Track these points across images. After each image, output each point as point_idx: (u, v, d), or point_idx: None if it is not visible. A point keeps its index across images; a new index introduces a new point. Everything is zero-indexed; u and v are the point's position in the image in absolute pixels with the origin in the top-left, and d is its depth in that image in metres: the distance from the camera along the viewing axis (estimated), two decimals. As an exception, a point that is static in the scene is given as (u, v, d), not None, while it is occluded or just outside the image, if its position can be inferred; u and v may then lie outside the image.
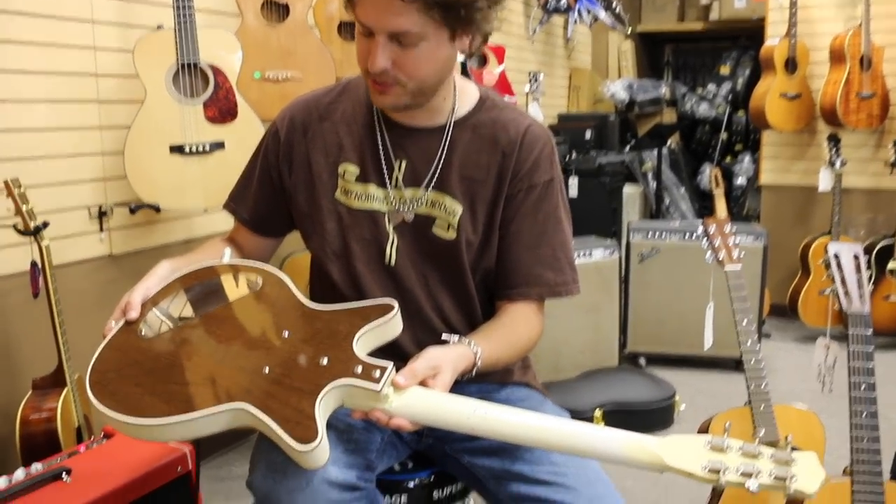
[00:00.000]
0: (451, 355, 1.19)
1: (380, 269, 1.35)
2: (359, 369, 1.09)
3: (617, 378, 3.18)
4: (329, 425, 1.06)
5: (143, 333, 1.18)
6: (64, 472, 1.42)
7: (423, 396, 1.11)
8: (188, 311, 1.22)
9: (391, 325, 1.19)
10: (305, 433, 1.02)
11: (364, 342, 1.16)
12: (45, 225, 1.91)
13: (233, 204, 1.47)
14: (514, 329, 1.35)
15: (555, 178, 1.36)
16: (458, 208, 1.32)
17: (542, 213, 1.35)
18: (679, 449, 1.03)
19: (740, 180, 5.44)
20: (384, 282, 1.35)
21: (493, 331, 1.33)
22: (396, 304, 1.20)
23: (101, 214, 2.29)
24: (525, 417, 1.11)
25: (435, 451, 1.41)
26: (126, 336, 1.18)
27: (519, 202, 1.33)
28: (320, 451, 1.02)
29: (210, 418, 1.06)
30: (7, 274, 2.02)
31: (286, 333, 1.17)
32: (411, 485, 1.41)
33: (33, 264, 1.92)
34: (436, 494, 1.44)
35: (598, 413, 2.89)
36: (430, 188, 1.33)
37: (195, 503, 1.58)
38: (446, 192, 1.33)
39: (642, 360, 3.62)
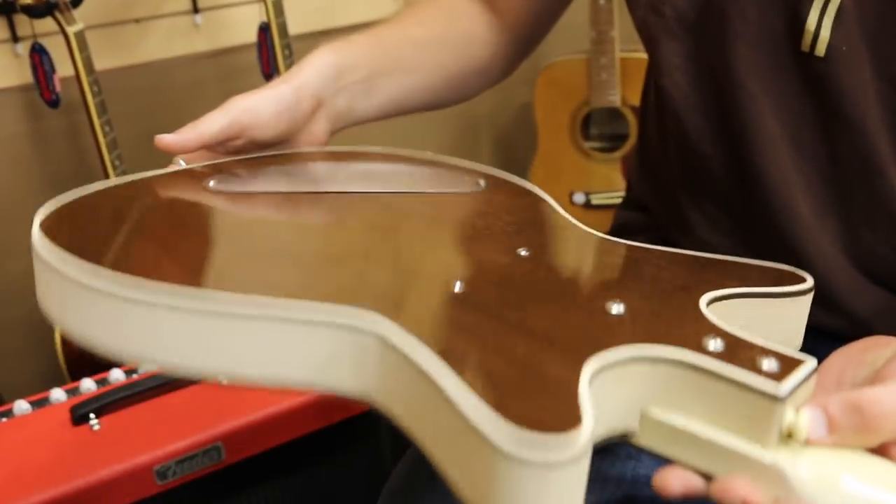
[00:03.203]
0: None
1: (787, 68, 0.56)
2: (716, 344, 0.39)
3: None
4: None
5: (212, 185, 0.58)
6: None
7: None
8: (314, 183, 0.62)
9: (789, 310, 0.49)
10: (545, 411, 0.34)
11: (717, 315, 0.45)
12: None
13: None
14: None
15: None
16: None
17: None
18: None
19: None
20: (793, 98, 0.56)
21: None
22: (811, 281, 0.49)
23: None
24: None
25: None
26: (180, 179, 0.59)
27: None
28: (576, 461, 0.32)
29: (289, 331, 0.39)
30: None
31: (523, 252, 0.53)
32: None
33: (37, 49, 1.33)
34: None
35: None
36: None
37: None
38: None
39: None
